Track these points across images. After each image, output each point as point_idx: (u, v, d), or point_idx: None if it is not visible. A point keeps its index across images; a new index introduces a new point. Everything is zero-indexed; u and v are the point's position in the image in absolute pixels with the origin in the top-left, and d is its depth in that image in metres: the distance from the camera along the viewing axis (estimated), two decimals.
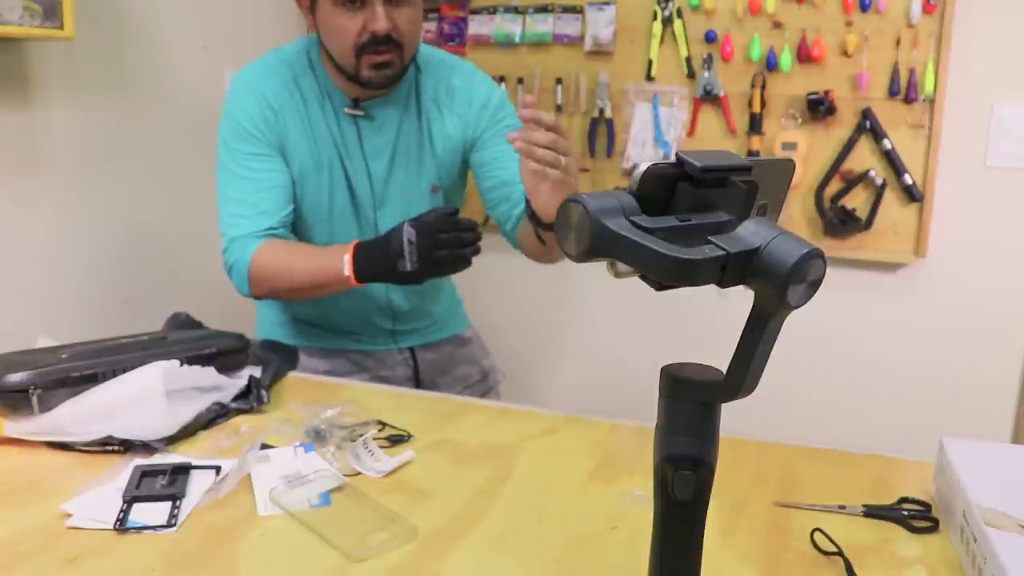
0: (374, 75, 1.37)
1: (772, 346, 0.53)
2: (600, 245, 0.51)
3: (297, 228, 1.50)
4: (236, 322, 1.85)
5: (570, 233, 0.52)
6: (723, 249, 0.50)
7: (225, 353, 1.27)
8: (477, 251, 1.27)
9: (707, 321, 1.98)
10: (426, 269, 1.25)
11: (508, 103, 1.56)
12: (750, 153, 2.16)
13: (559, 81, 2.32)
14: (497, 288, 2.46)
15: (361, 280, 1.31)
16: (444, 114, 1.50)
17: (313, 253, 1.41)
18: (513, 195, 1.49)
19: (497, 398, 1.81)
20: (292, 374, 1.36)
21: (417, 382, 1.69)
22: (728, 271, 0.50)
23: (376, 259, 1.29)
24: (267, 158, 1.43)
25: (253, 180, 1.43)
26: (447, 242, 1.24)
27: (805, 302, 0.50)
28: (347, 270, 1.31)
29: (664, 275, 0.50)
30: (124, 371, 1.13)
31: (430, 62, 1.51)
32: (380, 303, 1.57)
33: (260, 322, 1.70)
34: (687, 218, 0.53)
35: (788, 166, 0.60)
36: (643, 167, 0.53)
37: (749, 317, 0.53)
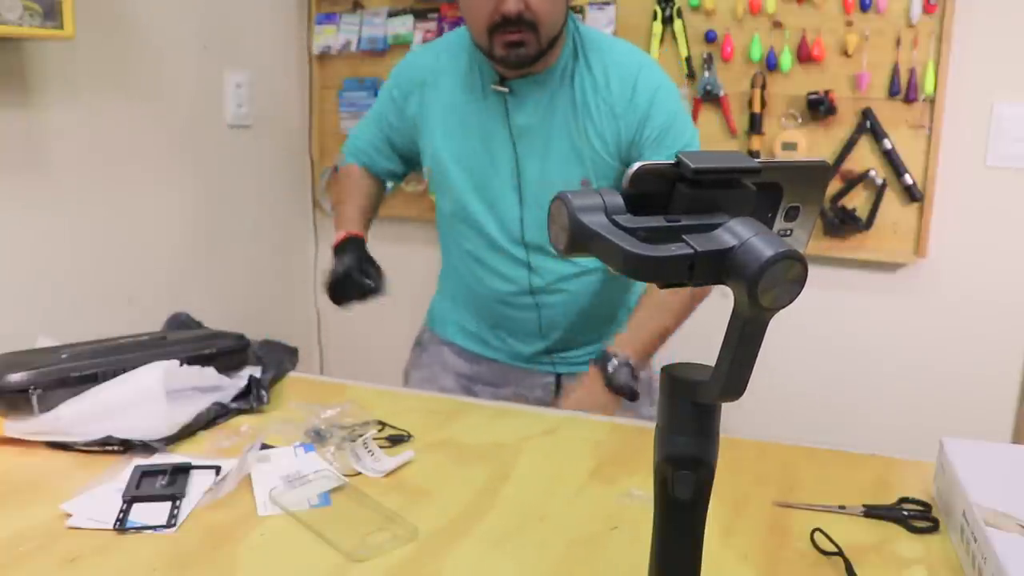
0: (507, 54, 1.36)
1: (757, 347, 0.53)
2: (578, 241, 0.52)
3: (449, 194, 1.53)
4: (236, 323, 1.85)
5: (556, 229, 0.54)
6: (691, 248, 0.50)
7: (225, 353, 1.28)
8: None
9: (707, 321, 1.98)
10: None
11: (678, 117, 1.46)
12: (751, 154, 2.16)
13: None
14: None
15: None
16: (600, 112, 1.43)
17: (342, 203, 1.60)
18: None
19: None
20: (292, 374, 1.36)
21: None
22: (697, 270, 0.50)
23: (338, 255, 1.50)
24: (394, 122, 1.57)
25: (379, 127, 1.60)
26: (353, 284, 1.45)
27: (784, 305, 0.50)
28: (334, 241, 1.54)
29: (630, 272, 0.50)
30: (124, 371, 1.13)
31: (591, 46, 1.45)
32: (531, 320, 1.54)
33: (443, 322, 1.68)
34: (676, 219, 0.53)
35: (821, 168, 0.59)
36: (634, 166, 0.53)
37: (730, 318, 0.53)
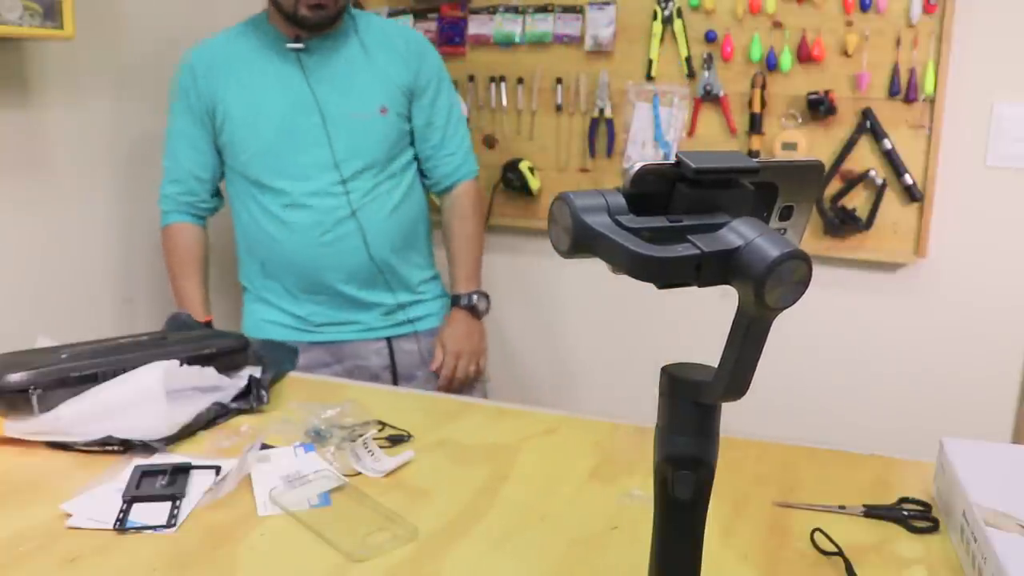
0: (311, 14, 1.59)
1: (760, 347, 0.53)
2: (582, 242, 0.52)
3: (259, 152, 1.67)
4: (236, 322, 1.85)
5: (558, 230, 0.53)
6: (698, 248, 0.50)
7: (225, 353, 1.27)
8: None
9: (707, 321, 1.98)
10: None
11: (444, 70, 1.80)
12: (751, 153, 2.16)
13: (559, 81, 2.31)
14: (496, 287, 2.46)
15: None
16: (387, 53, 1.70)
17: (180, 280, 1.76)
18: (439, 166, 1.80)
19: (483, 396, 1.83)
20: (292, 374, 1.36)
21: (394, 374, 1.75)
22: (704, 270, 0.50)
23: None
24: (190, 127, 1.70)
25: (179, 147, 1.72)
26: None
27: (789, 304, 0.50)
28: (186, 302, 1.73)
29: (636, 273, 0.50)
30: (124, 371, 1.13)
31: (362, 16, 1.75)
32: (357, 247, 1.68)
33: (247, 319, 1.78)
34: (678, 219, 0.53)
35: (815, 168, 0.60)
36: (636, 167, 0.53)
37: (734, 318, 0.53)
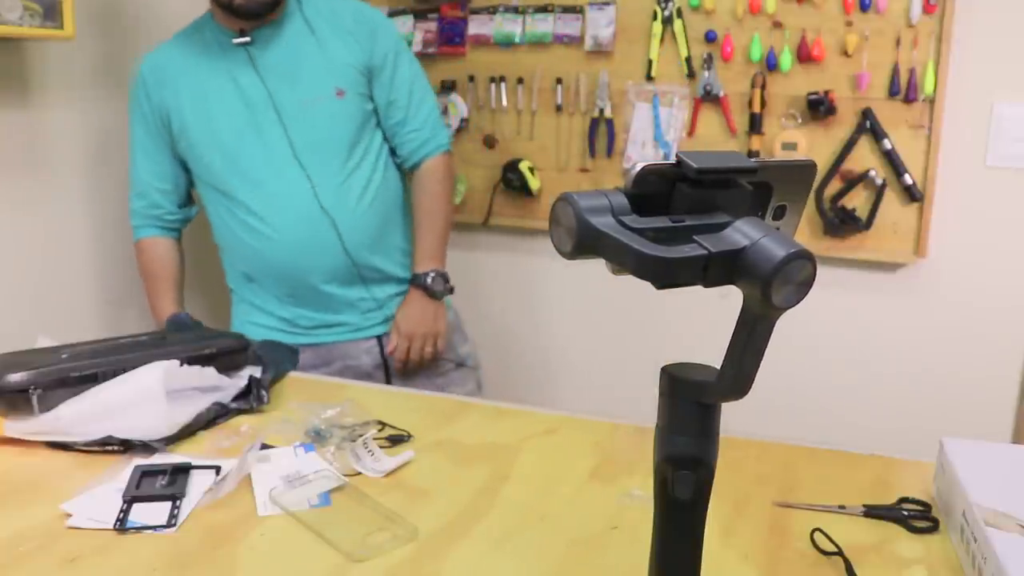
0: (245, 1, 1.53)
1: (764, 347, 0.53)
2: (586, 243, 0.51)
3: (219, 157, 1.62)
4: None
5: (561, 230, 0.53)
6: (705, 248, 0.50)
7: (225, 353, 1.27)
8: None
9: (707, 321, 1.98)
10: None
11: (401, 42, 1.73)
12: (751, 153, 2.16)
13: (559, 81, 2.31)
14: (497, 287, 2.46)
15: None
16: (336, 33, 1.63)
17: (152, 291, 1.73)
18: (405, 143, 1.72)
19: (477, 385, 1.81)
20: (292, 374, 1.36)
21: (387, 372, 1.73)
22: (711, 271, 0.50)
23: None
24: (145, 138, 1.68)
25: (138, 159, 1.70)
26: None
27: (793, 304, 0.50)
28: (162, 318, 1.68)
29: (643, 274, 0.50)
30: (124, 371, 1.13)
31: None
32: (332, 243, 1.63)
33: (235, 320, 1.77)
34: (680, 219, 0.53)
35: (809, 167, 0.60)
36: (638, 167, 0.53)
37: (738, 317, 0.53)
